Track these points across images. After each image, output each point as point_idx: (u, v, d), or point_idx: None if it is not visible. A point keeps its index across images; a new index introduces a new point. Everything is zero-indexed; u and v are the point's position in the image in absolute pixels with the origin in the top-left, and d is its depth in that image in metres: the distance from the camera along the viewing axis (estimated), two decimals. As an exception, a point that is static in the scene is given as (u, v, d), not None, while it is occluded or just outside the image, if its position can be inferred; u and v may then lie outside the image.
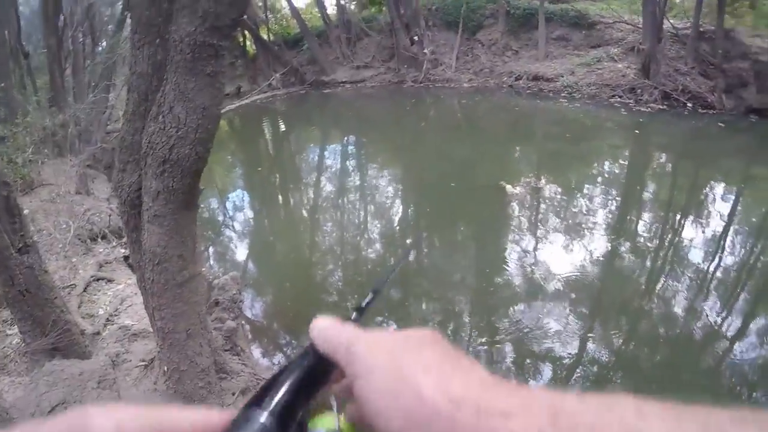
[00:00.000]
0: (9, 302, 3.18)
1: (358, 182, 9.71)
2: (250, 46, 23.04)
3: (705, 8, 14.72)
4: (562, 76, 16.01)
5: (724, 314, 4.79)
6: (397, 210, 8.08)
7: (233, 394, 3.18)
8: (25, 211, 5.33)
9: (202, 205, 8.01)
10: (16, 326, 3.50)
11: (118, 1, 14.26)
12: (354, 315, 0.60)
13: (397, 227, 7.32)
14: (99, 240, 5.99)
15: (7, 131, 8.10)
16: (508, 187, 7.55)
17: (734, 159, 10.41)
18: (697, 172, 9.58)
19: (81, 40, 11.90)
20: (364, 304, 0.65)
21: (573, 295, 5.11)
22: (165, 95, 2.20)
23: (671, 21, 15.41)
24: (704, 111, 13.29)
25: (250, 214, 8.51)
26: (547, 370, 4.09)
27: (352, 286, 5.63)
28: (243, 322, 4.76)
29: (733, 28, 14.32)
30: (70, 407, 2.95)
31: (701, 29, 14.30)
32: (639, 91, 14.38)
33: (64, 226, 5.97)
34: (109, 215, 6.32)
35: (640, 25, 15.33)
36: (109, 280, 4.96)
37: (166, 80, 2.22)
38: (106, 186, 8.16)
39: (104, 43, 13.85)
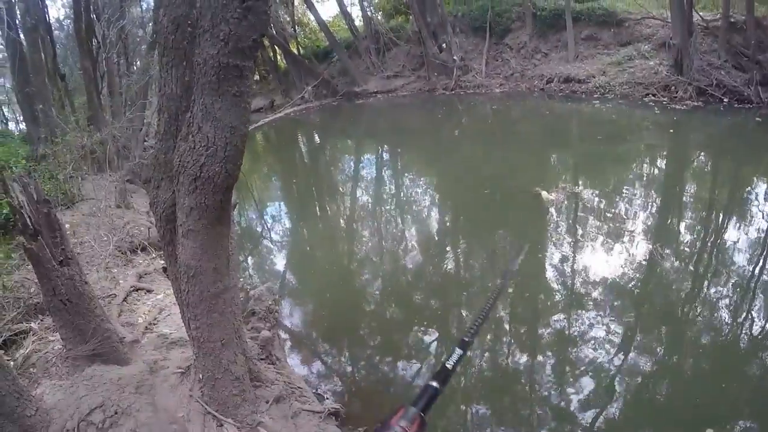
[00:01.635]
0: (51, 311, 3.36)
1: (393, 192, 9.80)
2: (281, 60, 23.46)
3: (733, -3, 14.34)
4: (594, 77, 15.81)
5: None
6: (432, 219, 8.10)
7: (267, 402, 3.27)
8: (66, 226, 5.59)
9: (240, 217, 8.24)
10: (58, 333, 3.67)
11: (150, 22, 14.78)
12: (434, 383, 0.52)
13: (433, 237, 7.34)
14: (139, 252, 6.21)
15: (49, 150, 8.49)
16: (544, 193, 7.44)
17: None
18: (737, 170, 9.31)
19: (115, 61, 12.37)
20: (450, 364, 0.56)
21: (615, 303, 5.03)
22: (193, 116, 2.31)
23: (700, 14, 15.03)
24: (740, 105, 12.90)
25: (287, 224, 8.67)
26: (588, 381, 4.04)
27: (389, 295, 5.67)
28: (281, 331, 4.87)
29: (765, 17, 13.89)
30: (107, 410, 3.11)
31: (732, 20, 13.90)
32: (673, 88, 14.04)
33: (105, 238, 6.22)
34: (149, 228, 6.54)
35: (669, 20, 14.98)
36: (149, 291, 5.14)
37: (193, 101, 2.32)
38: (145, 200, 8.45)
39: (138, 63, 14.37)
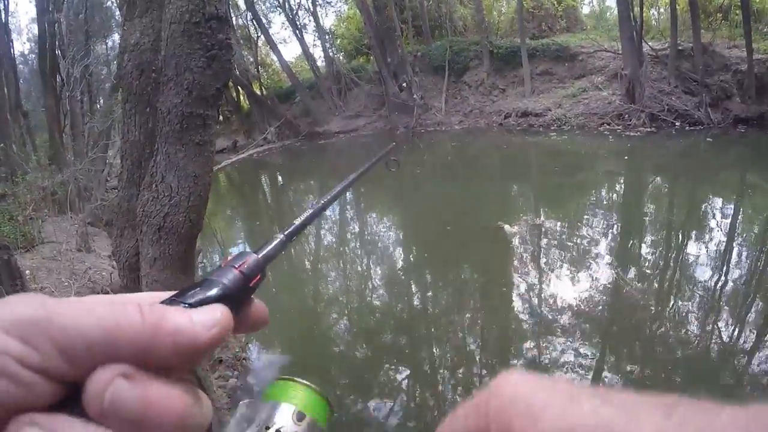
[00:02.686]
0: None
1: (357, 232, 9.80)
2: (244, 101, 23.51)
3: (680, 26, 15.15)
4: (550, 110, 16.36)
5: (738, 329, 4.78)
6: (396, 258, 8.10)
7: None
8: (27, 271, 5.39)
9: (204, 261, 8.08)
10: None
11: (115, 60, 14.69)
12: (283, 236, 0.55)
13: (398, 274, 7.33)
14: (101, 299, 6.01)
15: (9, 190, 8.25)
16: (507, 227, 7.53)
17: (727, 172, 10.58)
18: (693, 190, 9.70)
19: (79, 98, 12.21)
20: (297, 222, 0.61)
21: (584, 327, 5.09)
22: (157, 165, 2.29)
23: (650, 44, 15.82)
24: (692, 128, 13.53)
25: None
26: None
27: (358, 335, 5.62)
28: (249, 378, 4.74)
29: (711, 42, 14.74)
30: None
31: (679, 48, 14.70)
32: (626, 116, 14.64)
33: (66, 284, 6.01)
34: (111, 273, 6.36)
35: (620, 52, 15.71)
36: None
37: (157, 149, 2.31)
38: (107, 243, 8.23)
39: (102, 102, 14.22)
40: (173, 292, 0.33)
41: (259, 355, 5.37)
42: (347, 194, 13.28)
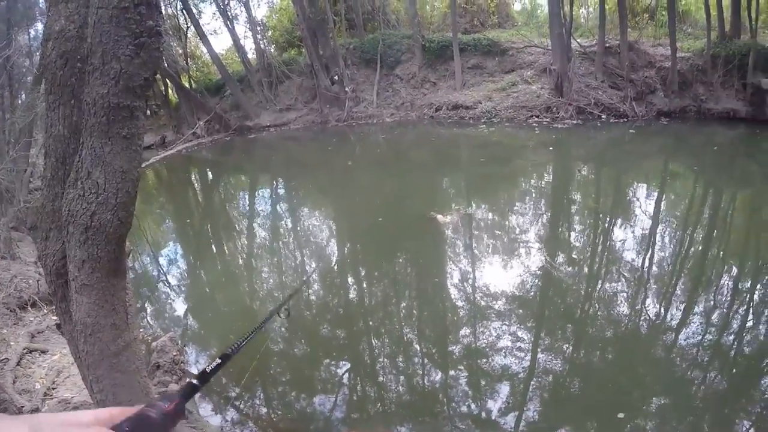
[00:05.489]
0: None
1: (289, 227, 9.67)
2: (173, 94, 22.56)
3: (608, 25, 15.95)
4: (480, 103, 16.78)
5: (665, 306, 5.09)
6: (330, 251, 8.05)
7: (183, 457, 3.06)
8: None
9: (133, 263, 7.73)
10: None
11: (38, 51, 13.74)
12: (195, 381, 0.66)
13: (331, 268, 7.28)
14: (28, 308, 5.64)
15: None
16: (439, 216, 7.67)
17: (649, 160, 11.28)
18: (618, 178, 10.25)
19: (-1, 94, 11.35)
20: (209, 369, 0.71)
21: (519, 312, 5.25)
22: (82, 160, 2.15)
23: (578, 41, 16.52)
24: (617, 120, 14.31)
25: (184, 267, 8.23)
26: (504, 388, 4.15)
27: (294, 330, 5.53)
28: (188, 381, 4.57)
29: (637, 40, 15.64)
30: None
31: (607, 45, 15.49)
32: (554, 109, 15.26)
33: (-11, 296, 5.60)
34: (38, 280, 5.98)
35: (550, 48, 16.32)
36: (43, 351, 4.68)
37: (82, 144, 2.17)
38: (32, 248, 7.71)
39: (23, 97, 13.25)
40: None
41: (197, 357, 5.20)
42: (278, 188, 13.14)
